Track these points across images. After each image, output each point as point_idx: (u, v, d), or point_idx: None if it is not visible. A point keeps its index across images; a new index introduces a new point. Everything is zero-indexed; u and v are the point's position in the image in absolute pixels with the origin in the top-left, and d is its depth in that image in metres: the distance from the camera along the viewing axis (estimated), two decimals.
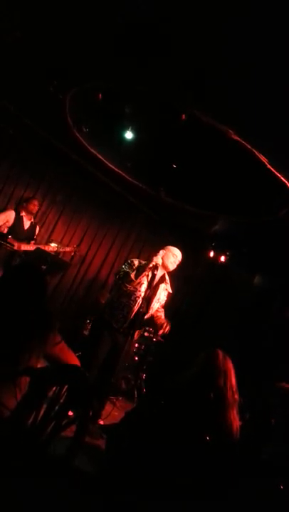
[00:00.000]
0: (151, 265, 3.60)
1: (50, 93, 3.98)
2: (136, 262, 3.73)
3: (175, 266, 3.82)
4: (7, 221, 5.26)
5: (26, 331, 1.92)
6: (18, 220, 5.34)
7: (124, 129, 4.28)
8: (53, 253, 5.32)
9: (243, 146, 3.46)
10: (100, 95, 3.81)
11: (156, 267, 3.61)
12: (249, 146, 3.46)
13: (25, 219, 5.41)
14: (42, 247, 5.30)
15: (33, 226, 5.55)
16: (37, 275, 2.10)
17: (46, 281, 2.18)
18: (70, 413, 2.23)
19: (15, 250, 5.08)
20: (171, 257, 3.79)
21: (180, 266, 3.92)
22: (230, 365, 2.54)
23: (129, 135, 4.31)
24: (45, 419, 1.73)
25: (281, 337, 5.27)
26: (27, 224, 5.45)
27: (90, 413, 1.91)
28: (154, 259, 3.66)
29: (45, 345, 1.96)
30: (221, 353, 2.56)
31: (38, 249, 5.14)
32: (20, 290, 1.99)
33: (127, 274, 3.62)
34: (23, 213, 5.40)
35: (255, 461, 2.57)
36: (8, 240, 5.03)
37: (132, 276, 3.59)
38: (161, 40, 2.86)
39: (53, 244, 5.49)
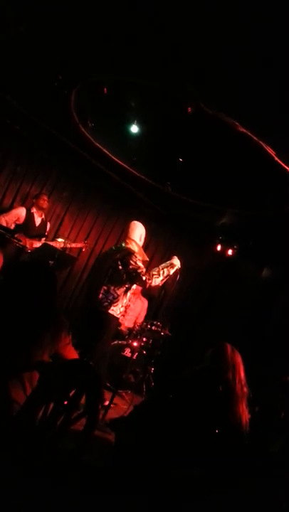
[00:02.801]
0: (175, 270, 3.70)
1: (55, 88, 3.98)
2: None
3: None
4: (18, 218, 5.28)
5: (40, 328, 1.95)
6: (29, 216, 5.36)
7: (130, 123, 4.26)
8: (60, 248, 5.33)
9: (250, 138, 3.43)
10: (105, 90, 3.79)
11: (177, 271, 3.74)
12: (256, 139, 3.43)
13: (36, 215, 5.43)
14: (49, 242, 5.31)
15: (44, 222, 5.57)
16: (48, 274, 2.12)
17: (57, 281, 2.20)
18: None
19: (23, 246, 5.10)
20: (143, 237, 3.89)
21: (188, 259, 3.95)
22: (238, 359, 2.54)
23: (134, 129, 4.29)
24: (54, 413, 1.75)
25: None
26: (38, 220, 5.47)
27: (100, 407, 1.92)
28: (175, 262, 3.73)
29: (58, 343, 1.99)
30: (229, 347, 2.56)
31: (45, 244, 5.15)
32: (31, 289, 2.01)
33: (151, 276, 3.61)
34: (33, 210, 5.42)
35: (264, 453, 2.57)
36: (16, 236, 5.05)
37: (159, 281, 3.61)
38: (166, 34, 2.84)
39: (59, 240, 5.51)
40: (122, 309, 3.68)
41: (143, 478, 2.27)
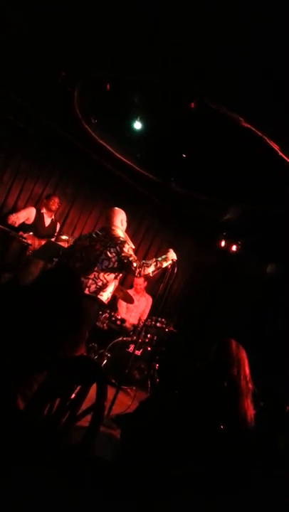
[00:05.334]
0: (171, 263, 3.73)
1: (59, 85, 3.97)
2: None
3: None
4: (28, 218, 5.33)
5: (60, 336, 1.98)
6: (39, 216, 5.41)
7: (133, 119, 4.25)
8: (64, 246, 5.33)
9: (254, 133, 3.41)
10: (108, 86, 3.78)
11: (174, 264, 3.77)
12: (260, 134, 3.41)
13: (45, 216, 5.48)
14: (53, 240, 5.32)
15: (53, 223, 5.60)
16: (75, 280, 2.13)
17: (82, 287, 2.21)
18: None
19: (27, 243, 5.12)
20: (125, 222, 3.88)
21: (193, 256, 3.95)
22: (243, 354, 2.53)
23: (138, 125, 4.28)
24: (60, 410, 1.75)
25: None
26: (48, 221, 5.51)
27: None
28: (170, 255, 3.73)
29: (72, 354, 2.02)
30: (234, 343, 2.56)
31: (49, 242, 5.16)
32: (59, 294, 2.03)
33: (143, 267, 3.60)
34: (43, 210, 5.47)
35: (270, 448, 2.57)
36: (22, 234, 5.07)
37: (150, 270, 3.60)
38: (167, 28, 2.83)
39: (63, 237, 5.51)
40: (109, 295, 3.71)
41: (148, 475, 2.28)
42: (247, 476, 2.32)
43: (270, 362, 4.33)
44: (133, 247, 3.72)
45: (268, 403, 2.96)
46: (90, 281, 3.57)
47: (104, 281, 3.59)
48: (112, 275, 3.63)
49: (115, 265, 3.59)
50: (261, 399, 2.81)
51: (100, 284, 3.58)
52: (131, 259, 3.54)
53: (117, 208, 3.92)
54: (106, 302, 3.71)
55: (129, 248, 3.60)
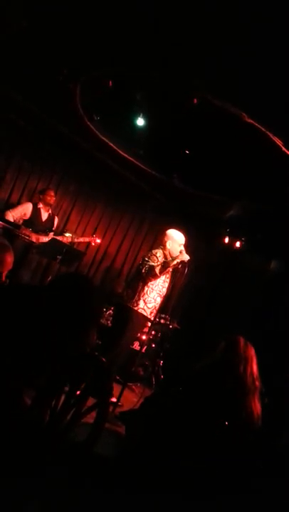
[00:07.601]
0: (178, 262, 3.79)
1: (60, 82, 3.96)
2: (160, 256, 3.84)
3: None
4: (24, 214, 5.30)
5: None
6: (36, 211, 5.38)
7: (136, 116, 4.24)
8: (68, 243, 5.33)
9: (257, 129, 3.39)
10: (110, 82, 3.77)
11: (185, 265, 3.82)
12: (263, 129, 3.39)
13: (42, 210, 5.44)
14: (57, 237, 5.32)
15: (51, 217, 5.58)
16: (89, 288, 2.13)
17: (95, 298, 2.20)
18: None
19: (31, 242, 5.11)
20: (178, 247, 3.93)
21: (196, 253, 4.05)
22: (251, 353, 2.51)
23: (140, 122, 4.27)
24: (65, 406, 1.76)
25: None
26: (45, 215, 5.47)
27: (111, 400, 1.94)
28: (180, 256, 3.81)
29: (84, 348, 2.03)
30: (242, 340, 2.53)
31: (53, 239, 5.16)
32: (72, 301, 2.03)
33: (152, 268, 3.75)
34: (40, 205, 5.43)
35: (274, 445, 2.56)
36: (24, 232, 5.06)
37: (157, 271, 3.73)
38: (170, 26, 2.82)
39: (67, 235, 5.52)
40: (141, 304, 3.82)
41: (152, 471, 2.28)
42: (251, 474, 2.32)
43: (270, 361, 4.31)
44: (167, 260, 3.85)
45: (270, 400, 2.95)
46: (122, 290, 4.04)
47: (134, 289, 3.86)
48: (140, 284, 3.85)
49: (142, 272, 3.84)
50: (267, 395, 2.80)
51: (129, 292, 3.89)
52: (151, 263, 3.77)
53: (171, 230, 4.03)
54: (139, 310, 3.82)
55: (151, 256, 3.83)
